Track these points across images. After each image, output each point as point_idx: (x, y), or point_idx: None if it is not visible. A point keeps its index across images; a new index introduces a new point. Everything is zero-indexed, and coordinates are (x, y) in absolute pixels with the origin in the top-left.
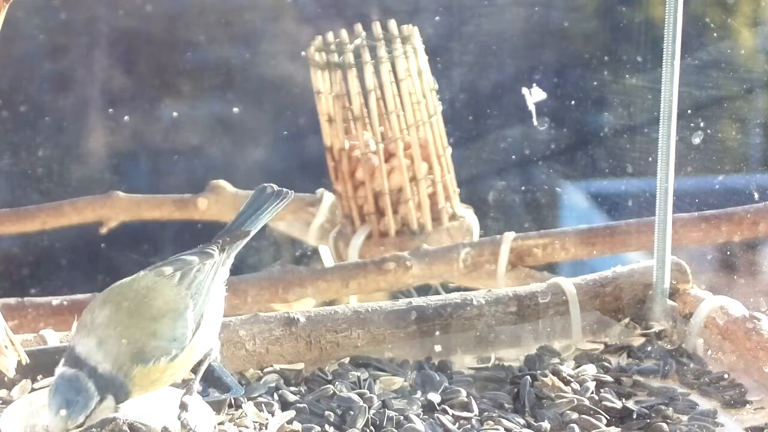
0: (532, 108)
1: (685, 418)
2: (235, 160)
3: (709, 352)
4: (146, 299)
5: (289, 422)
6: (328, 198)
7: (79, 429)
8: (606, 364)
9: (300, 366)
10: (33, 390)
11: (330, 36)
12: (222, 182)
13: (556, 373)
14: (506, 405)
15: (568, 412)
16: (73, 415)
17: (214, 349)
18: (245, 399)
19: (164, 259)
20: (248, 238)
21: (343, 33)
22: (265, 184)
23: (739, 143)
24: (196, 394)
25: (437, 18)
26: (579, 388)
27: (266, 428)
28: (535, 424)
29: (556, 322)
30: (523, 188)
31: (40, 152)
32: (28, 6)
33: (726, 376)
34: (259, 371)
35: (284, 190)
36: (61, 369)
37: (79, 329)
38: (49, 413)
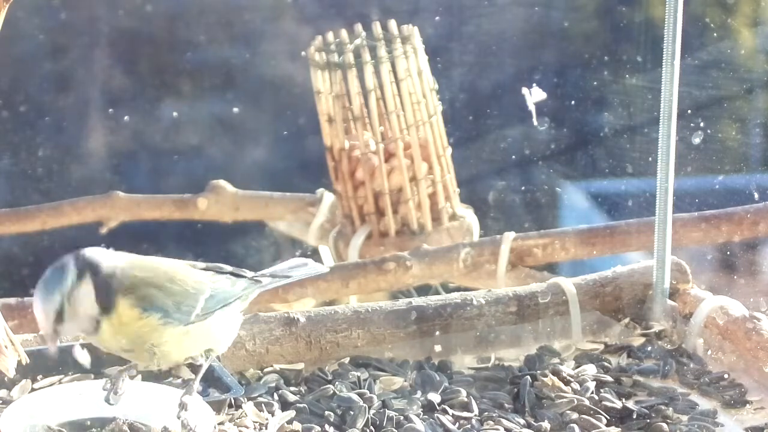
0: (532, 108)
1: (685, 418)
2: (235, 160)
3: (709, 352)
4: (174, 267)
5: (289, 422)
6: (328, 198)
7: (62, 323)
8: (606, 364)
9: (300, 366)
10: (33, 390)
11: (330, 36)
12: (222, 182)
13: (556, 373)
14: (506, 405)
15: (568, 412)
16: (51, 291)
17: (214, 352)
18: (245, 399)
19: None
20: (277, 285)
21: (343, 33)
22: (306, 260)
23: (739, 143)
24: (196, 394)
25: (437, 18)
26: (579, 388)
27: (266, 428)
28: (535, 424)
29: (556, 322)
30: (523, 188)
31: (40, 152)
32: (28, 6)
33: (726, 376)
34: (259, 371)
35: (321, 266)
36: None
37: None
38: (35, 307)
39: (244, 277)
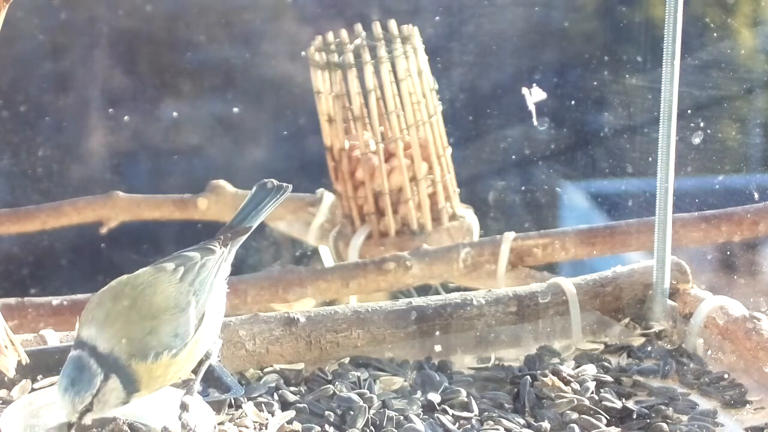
0: (532, 108)
1: (685, 418)
2: (235, 160)
3: (709, 352)
4: (146, 295)
5: (289, 422)
6: (328, 198)
7: (90, 412)
8: (606, 364)
9: (300, 366)
10: (33, 390)
11: (330, 36)
12: (222, 182)
13: (556, 373)
14: (506, 405)
15: (568, 412)
16: (79, 392)
17: (215, 348)
18: (245, 399)
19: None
20: (249, 233)
21: (343, 33)
22: (265, 180)
23: (739, 143)
24: (196, 394)
25: (437, 18)
26: (579, 388)
27: (266, 428)
28: (535, 424)
29: (556, 322)
30: (523, 188)
31: (40, 152)
32: (28, 6)
33: (726, 376)
34: (259, 371)
35: (284, 184)
36: (71, 353)
37: (84, 321)
38: (58, 396)
39: (210, 249)
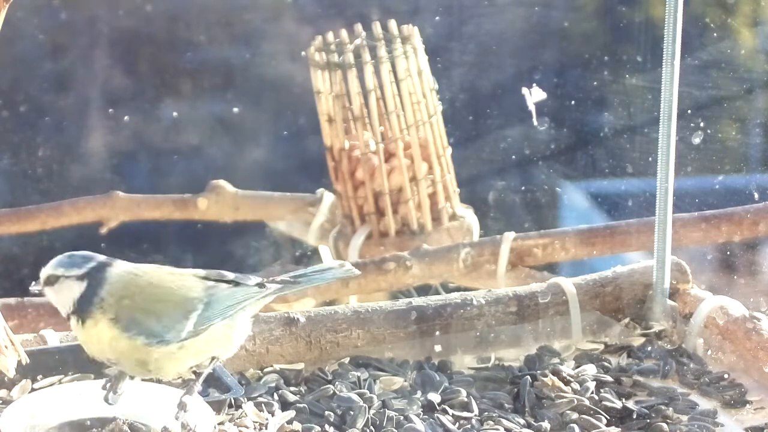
0: (532, 108)
1: (685, 418)
2: (235, 160)
3: (709, 352)
4: (168, 279)
5: (289, 422)
6: (328, 198)
7: (48, 286)
8: (606, 364)
9: (300, 366)
10: (33, 390)
11: (330, 36)
12: (222, 182)
13: (556, 373)
14: (506, 405)
15: (568, 412)
16: (58, 265)
17: (218, 359)
18: (245, 399)
19: (163, 259)
20: (292, 290)
21: (343, 33)
22: (343, 262)
23: (739, 143)
24: (196, 394)
25: (437, 18)
26: (579, 388)
27: (266, 428)
28: (535, 424)
29: (556, 322)
30: (523, 188)
31: (40, 152)
32: (28, 6)
33: (726, 376)
34: (259, 371)
35: (353, 269)
36: None
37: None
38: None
39: (246, 285)
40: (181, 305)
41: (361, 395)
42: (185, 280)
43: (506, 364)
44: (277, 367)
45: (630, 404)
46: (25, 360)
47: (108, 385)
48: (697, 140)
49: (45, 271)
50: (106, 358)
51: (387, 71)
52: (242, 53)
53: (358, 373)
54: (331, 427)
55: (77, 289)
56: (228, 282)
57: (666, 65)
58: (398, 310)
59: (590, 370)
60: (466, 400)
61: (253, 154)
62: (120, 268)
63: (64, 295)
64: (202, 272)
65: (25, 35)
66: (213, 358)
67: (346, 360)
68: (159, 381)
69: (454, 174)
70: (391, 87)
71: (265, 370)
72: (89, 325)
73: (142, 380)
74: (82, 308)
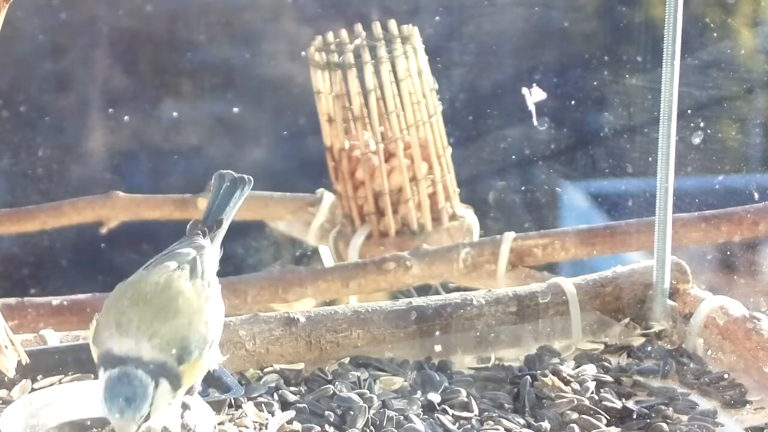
0: (532, 108)
1: (685, 418)
2: (235, 160)
3: (709, 352)
4: (169, 295)
5: (289, 422)
6: (328, 198)
7: (147, 421)
8: (606, 364)
9: (300, 366)
10: (33, 390)
11: (330, 36)
12: None
13: (556, 373)
14: (506, 405)
15: (568, 412)
16: (138, 406)
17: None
18: (245, 399)
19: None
20: (225, 227)
21: (343, 33)
22: (223, 172)
23: (739, 143)
24: (196, 394)
25: (437, 18)
26: (579, 388)
27: (266, 428)
28: (535, 424)
29: (556, 322)
30: (523, 188)
31: (40, 152)
32: (28, 6)
33: (726, 376)
34: (259, 371)
35: (244, 177)
36: (104, 374)
37: (103, 332)
38: (112, 418)
39: (201, 243)
40: (201, 301)
41: (361, 395)
42: (177, 281)
43: (506, 364)
44: (277, 367)
45: (630, 404)
46: (25, 360)
47: None
48: (697, 140)
49: (135, 422)
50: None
51: (387, 71)
52: (242, 53)
53: (358, 373)
54: (331, 427)
55: (165, 388)
56: (188, 252)
57: (666, 65)
58: (398, 310)
59: (590, 370)
60: (466, 400)
61: (253, 154)
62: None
63: (162, 403)
64: (170, 264)
65: (25, 35)
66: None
67: (346, 360)
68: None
69: (454, 174)
70: (391, 87)
71: (265, 370)
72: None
73: None
74: (176, 385)
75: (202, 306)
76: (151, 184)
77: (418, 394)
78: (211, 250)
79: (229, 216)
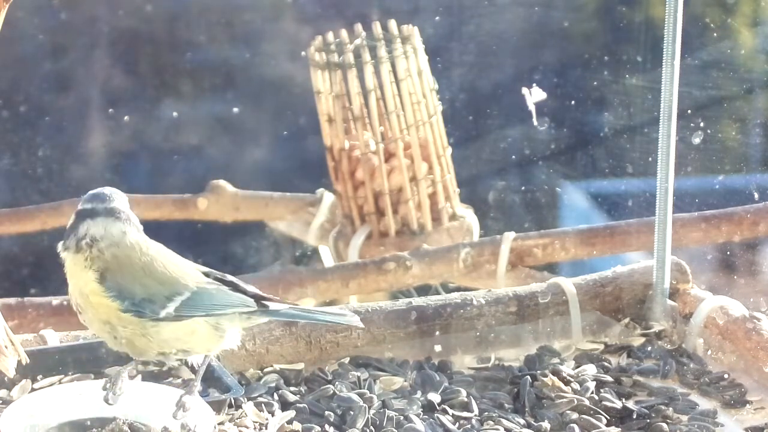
0: (532, 108)
1: (685, 418)
2: (235, 160)
3: (709, 352)
4: (164, 259)
5: (289, 422)
6: (328, 198)
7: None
8: (606, 364)
9: (300, 366)
10: (33, 390)
11: (330, 36)
12: (222, 182)
13: (556, 373)
14: (506, 405)
15: (568, 412)
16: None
17: (189, 354)
18: (245, 399)
19: None
20: (288, 318)
21: (343, 33)
22: (354, 316)
23: (739, 143)
24: (196, 394)
25: (437, 18)
26: (579, 388)
27: (266, 428)
28: (535, 424)
29: (556, 322)
30: (523, 188)
31: (40, 152)
32: (28, 6)
33: (726, 376)
34: (259, 371)
35: (359, 322)
36: None
37: None
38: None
39: (245, 292)
40: (169, 286)
41: (361, 395)
42: (183, 267)
43: (506, 364)
44: (277, 367)
45: (630, 404)
46: (25, 360)
47: (108, 385)
48: (697, 140)
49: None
50: (76, 303)
51: (387, 71)
52: (242, 53)
53: (358, 373)
54: (331, 427)
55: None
56: (227, 284)
57: (666, 65)
58: (398, 310)
59: (590, 370)
60: (466, 400)
61: (253, 154)
62: (128, 228)
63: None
64: (204, 269)
65: (25, 35)
66: (182, 351)
67: (346, 360)
68: (159, 369)
69: (454, 174)
70: (391, 87)
71: (265, 370)
72: (75, 260)
73: (142, 380)
74: (75, 240)
75: (162, 284)
76: (151, 184)
77: (418, 394)
78: (246, 308)
79: (287, 317)
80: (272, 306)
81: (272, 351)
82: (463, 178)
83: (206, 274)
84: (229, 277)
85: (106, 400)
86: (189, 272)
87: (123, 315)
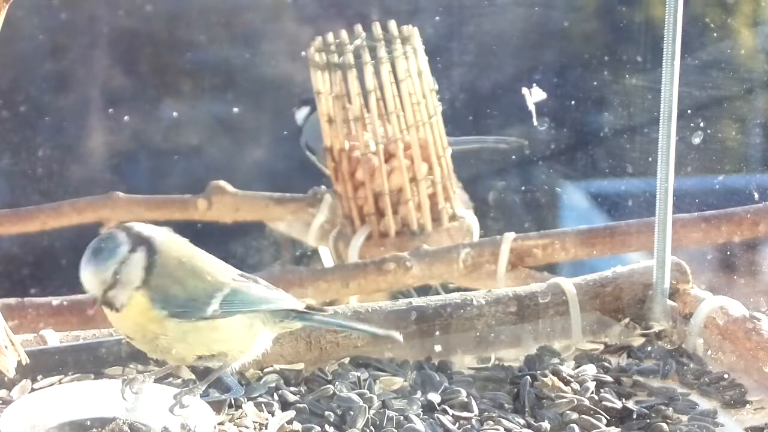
0: (532, 108)
1: (685, 418)
2: (235, 160)
3: (709, 352)
4: (204, 255)
5: (289, 422)
6: (328, 198)
7: (113, 289)
8: (606, 364)
9: (300, 366)
10: (33, 390)
11: (330, 36)
12: (222, 183)
13: (556, 373)
14: (506, 405)
15: (568, 412)
16: (103, 260)
17: (227, 357)
18: (245, 399)
19: None
20: (323, 324)
21: (343, 33)
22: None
23: (739, 143)
24: (196, 394)
25: (437, 18)
26: (579, 388)
27: (266, 428)
28: (535, 424)
29: (556, 322)
30: (523, 188)
31: (40, 152)
32: (28, 6)
33: (726, 376)
34: (259, 371)
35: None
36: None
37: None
38: (81, 271)
39: (277, 291)
40: (210, 284)
41: (361, 395)
42: (218, 264)
43: (506, 364)
44: (277, 367)
45: (630, 404)
46: (25, 360)
47: (126, 383)
48: (697, 140)
49: (99, 279)
50: (127, 334)
51: (387, 72)
52: (242, 53)
53: (358, 373)
54: (331, 427)
55: (140, 257)
56: (263, 282)
57: (666, 65)
58: (398, 310)
59: (590, 370)
60: (466, 400)
61: (254, 154)
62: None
63: (134, 275)
64: (237, 271)
65: (25, 35)
66: (221, 353)
67: (346, 360)
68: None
69: (454, 174)
70: (391, 87)
71: (265, 370)
72: (133, 303)
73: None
74: (149, 276)
75: (203, 282)
76: (151, 184)
77: (418, 394)
78: (285, 307)
79: (331, 322)
80: (312, 314)
81: (272, 351)
82: (463, 178)
83: (240, 275)
84: (260, 281)
85: (122, 396)
86: (225, 269)
87: (166, 322)
